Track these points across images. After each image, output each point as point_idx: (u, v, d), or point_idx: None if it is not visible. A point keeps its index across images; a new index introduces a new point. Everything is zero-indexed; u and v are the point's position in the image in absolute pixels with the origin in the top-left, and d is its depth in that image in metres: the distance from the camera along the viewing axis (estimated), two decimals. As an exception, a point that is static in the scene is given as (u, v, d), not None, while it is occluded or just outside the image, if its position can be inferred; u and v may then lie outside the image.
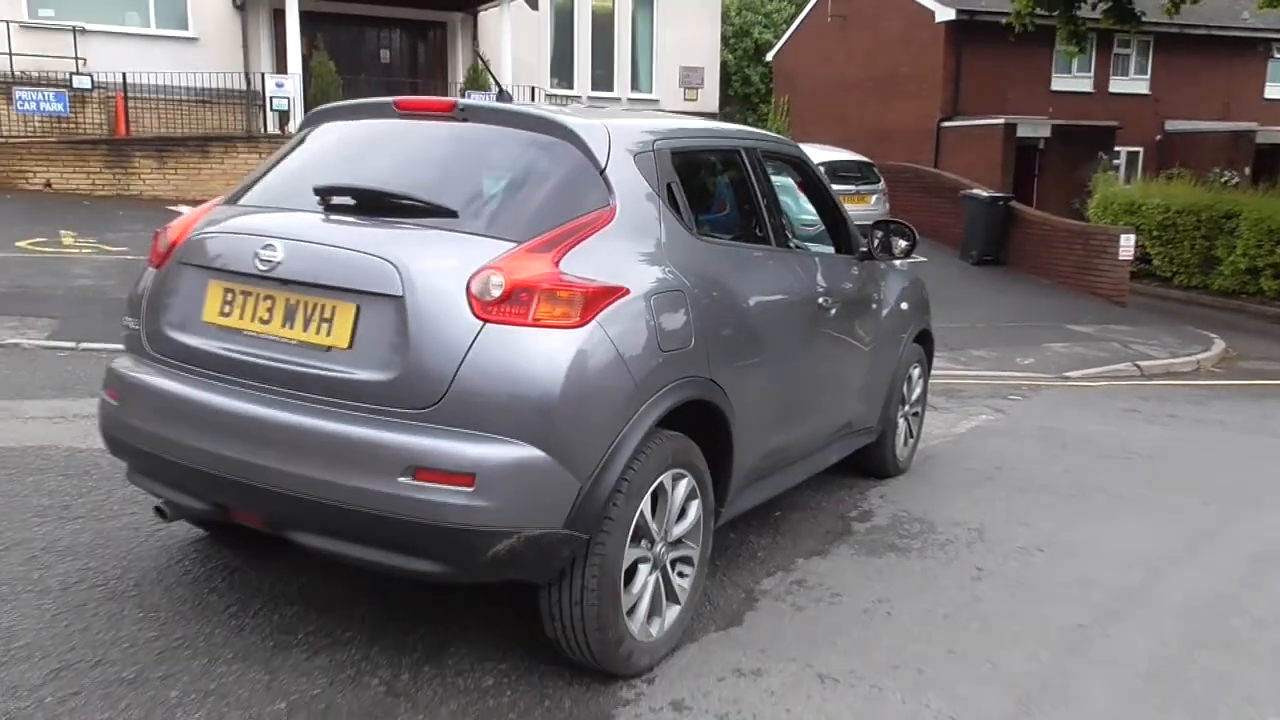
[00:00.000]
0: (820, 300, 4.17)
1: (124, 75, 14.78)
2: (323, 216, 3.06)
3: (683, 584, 3.31)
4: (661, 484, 3.08)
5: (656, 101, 20.93)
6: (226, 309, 3.03)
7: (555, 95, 19.18)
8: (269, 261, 2.89)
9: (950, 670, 3.37)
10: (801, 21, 28.43)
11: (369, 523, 2.70)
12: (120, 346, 3.42)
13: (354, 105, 3.64)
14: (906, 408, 5.43)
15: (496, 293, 2.72)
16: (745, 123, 28.30)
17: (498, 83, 4.20)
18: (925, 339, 5.61)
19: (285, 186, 3.37)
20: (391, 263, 2.77)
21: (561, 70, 20.07)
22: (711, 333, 3.28)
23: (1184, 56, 24.57)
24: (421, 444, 2.66)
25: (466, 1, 17.93)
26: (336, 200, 3.05)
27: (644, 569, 3.11)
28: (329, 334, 2.84)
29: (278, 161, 3.56)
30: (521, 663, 3.19)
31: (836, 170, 15.74)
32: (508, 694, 3.02)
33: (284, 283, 2.90)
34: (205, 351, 3.03)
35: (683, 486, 3.20)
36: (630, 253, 3.06)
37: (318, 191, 3.05)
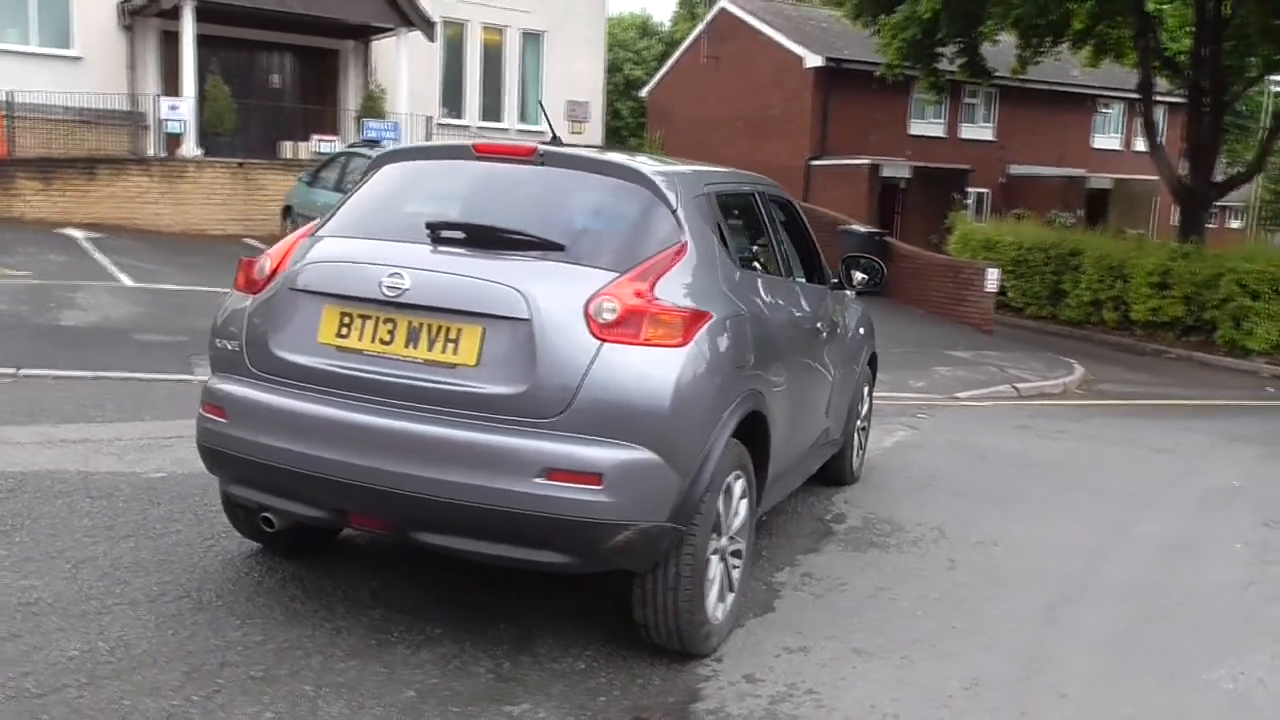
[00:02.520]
0: (816, 324, 4.72)
1: (10, 94, 14.17)
2: (431, 248, 3.38)
3: (735, 574, 3.76)
4: (729, 483, 3.52)
5: (543, 134, 21.34)
6: (344, 331, 3.31)
7: (446, 125, 19.37)
8: (396, 288, 3.20)
9: (958, 643, 3.93)
10: (676, 60, 29.57)
11: (503, 520, 3.04)
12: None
13: (425, 148, 3.98)
14: (859, 422, 6.05)
15: (611, 317, 3.12)
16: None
17: (551, 127, 4.56)
18: (873, 361, 6.26)
19: (374, 220, 3.67)
20: (519, 291, 3.14)
21: (452, 100, 20.29)
22: (758, 351, 3.76)
23: (1025, 108, 26.83)
24: (555, 448, 3.03)
25: (359, 30, 17.98)
26: (447, 234, 3.38)
27: (714, 559, 3.54)
28: (455, 353, 3.17)
29: (352, 197, 3.84)
30: (604, 649, 3.57)
31: (727, 205, 16.61)
32: (602, 675, 3.40)
33: (408, 307, 3.21)
34: (321, 370, 3.30)
35: (739, 486, 3.66)
36: (702, 282, 3.51)
37: (431, 226, 3.38)
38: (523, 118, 21.46)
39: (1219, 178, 19.31)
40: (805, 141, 24.68)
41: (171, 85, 16.09)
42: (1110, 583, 4.85)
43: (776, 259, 4.51)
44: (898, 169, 23.53)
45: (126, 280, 11.47)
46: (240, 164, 15.19)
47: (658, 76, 30.80)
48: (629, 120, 38.68)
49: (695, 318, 3.26)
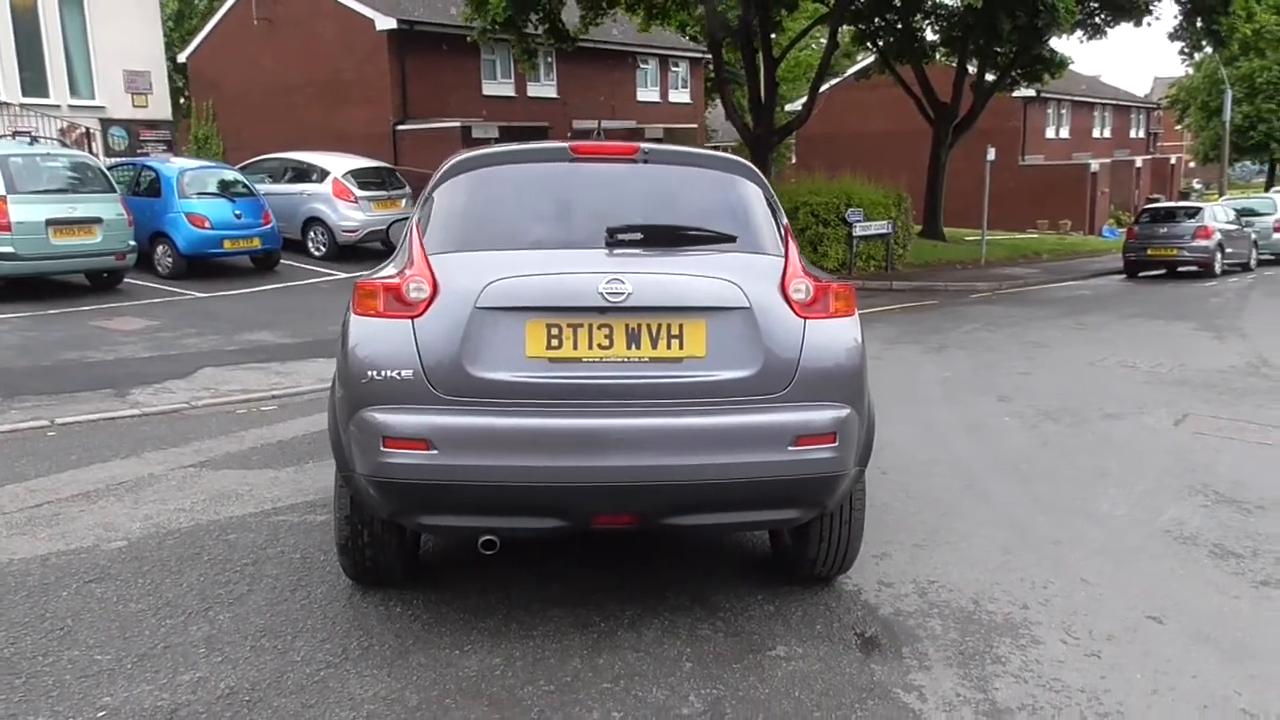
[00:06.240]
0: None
1: None
2: (607, 252, 3.48)
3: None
4: None
5: (103, 109, 18.83)
6: (554, 343, 3.33)
7: (-12, 105, 16.31)
8: (619, 293, 3.31)
9: (962, 525, 4.89)
10: (219, 22, 27.20)
11: (765, 488, 3.37)
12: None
13: (513, 152, 3.92)
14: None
15: (805, 296, 3.54)
16: (176, 123, 26.07)
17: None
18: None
19: (514, 229, 3.63)
20: (736, 283, 3.42)
21: (-17, 74, 17.06)
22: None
23: (579, 66, 28.69)
24: (796, 417, 3.41)
25: None
26: (623, 236, 3.51)
27: (856, 490, 4.10)
28: (681, 347, 3.38)
29: (452, 208, 3.72)
30: (767, 591, 4.01)
31: (362, 177, 16.21)
32: (796, 610, 3.86)
33: (627, 310, 3.33)
34: (535, 384, 3.30)
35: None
36: (803, 259, 4.00)
37: (611, 230, 3.48)
38: (74, 91, 18.64)
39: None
40: (387, 105, 24.29)
41: None
42: (974, 460, 6.15)
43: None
44: (486, 129, 24.10)
45: None
46: None
47: (197, 40, 28.10)
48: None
49: (851, 289, 3.76)
